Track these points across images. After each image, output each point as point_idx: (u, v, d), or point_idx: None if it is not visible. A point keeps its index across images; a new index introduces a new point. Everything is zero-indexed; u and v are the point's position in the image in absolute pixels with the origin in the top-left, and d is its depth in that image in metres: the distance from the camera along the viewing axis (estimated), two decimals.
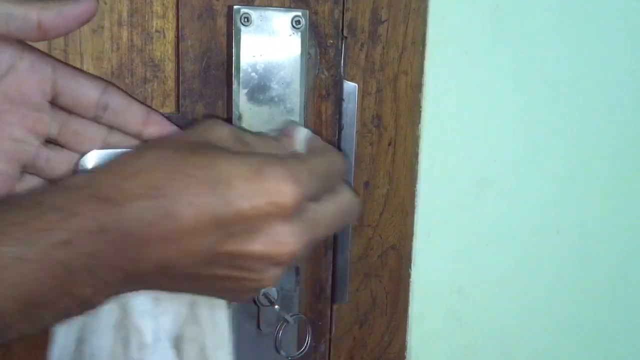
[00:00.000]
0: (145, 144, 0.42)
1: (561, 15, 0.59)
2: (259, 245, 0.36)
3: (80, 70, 0.43)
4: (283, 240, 0.36)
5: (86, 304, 0.35)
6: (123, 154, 0.38)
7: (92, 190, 0.35)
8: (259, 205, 0.35)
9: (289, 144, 0.42)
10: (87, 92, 0.42)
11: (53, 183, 0.38)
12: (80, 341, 0.42)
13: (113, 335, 0.41)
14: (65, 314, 0.36)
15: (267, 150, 0.40)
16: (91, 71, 0.46)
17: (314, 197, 0.38)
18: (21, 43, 0.39)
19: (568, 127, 0.62)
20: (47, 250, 0.32)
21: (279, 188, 0.35)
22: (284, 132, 0.44)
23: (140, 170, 0.35)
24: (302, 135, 0.43)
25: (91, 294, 0.34)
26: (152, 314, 0.41)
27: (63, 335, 0.41)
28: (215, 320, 0.43)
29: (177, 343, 0.43)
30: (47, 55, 0.41)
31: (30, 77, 0.40)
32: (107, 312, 0.41)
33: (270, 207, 0.35)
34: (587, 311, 0.68)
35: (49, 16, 0.37)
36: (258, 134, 0.43)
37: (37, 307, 0.32)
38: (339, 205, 0.40)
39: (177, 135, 0.42)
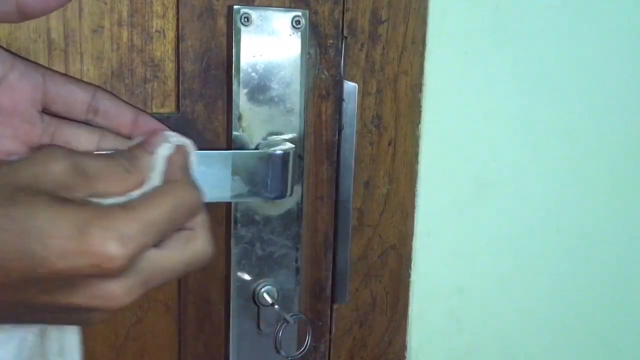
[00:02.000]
0: None
1: (561, 15, 0.59)
2: (81, 299, 0.34)
3: (70, 77, 0.43)
4: (109, 296, 0.34)
5: None
6: None
7: None
8: (80, 266, 0.32)
9: (146, 164, 0.38)
10: (78, 98, 0.42)
11: None
12: None
13: None
14: None
15: (113, 182, 0.37)
16: (91, 71, 0.46)
17: (153, 245, 0.35)
18: (10, 53, 0.39)
19: (568, 127, 0.62)
20: None
21: (103, 251, 0.32)
22: (144, 144, 0.40)
23: None
24: (164, 152, 0.39)
25: None
26: None
27: None
28: (64, 345, 0.40)
29: None
30: (36, 63, 0.41)
31: (22, 86, 0.39)
32: None
33: (94, 269, 0.32)
34: (587, 311, 0.68)
35: None
36: (110, 155, 0.39)
37: None
38: (187, 253, 0.37)
39: (2, 170, 0.35)
